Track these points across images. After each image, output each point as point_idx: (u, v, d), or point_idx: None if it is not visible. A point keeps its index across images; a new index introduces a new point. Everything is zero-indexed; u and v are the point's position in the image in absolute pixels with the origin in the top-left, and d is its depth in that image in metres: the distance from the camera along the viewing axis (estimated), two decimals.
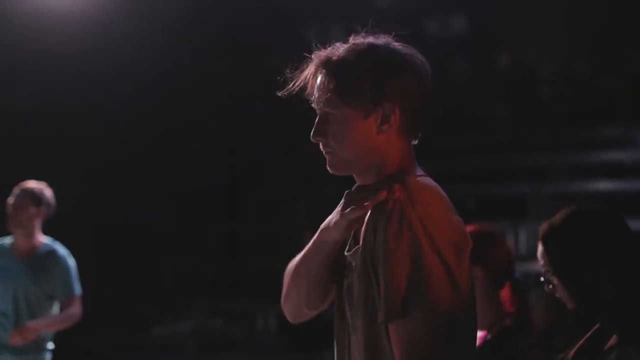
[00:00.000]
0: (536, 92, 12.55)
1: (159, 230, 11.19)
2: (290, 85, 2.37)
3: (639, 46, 11.98)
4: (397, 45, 2.31)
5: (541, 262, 2.72)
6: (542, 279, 2.72)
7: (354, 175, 2.37)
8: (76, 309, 5.78)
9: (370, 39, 2.32)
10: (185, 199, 11.48)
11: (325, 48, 2.34)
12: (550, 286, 2.68)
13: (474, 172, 10.93)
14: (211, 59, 11.38)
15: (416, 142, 2.36)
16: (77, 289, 5.82)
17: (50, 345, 5.80)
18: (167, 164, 11.18)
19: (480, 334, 3.30)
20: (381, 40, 2.32)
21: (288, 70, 2.37)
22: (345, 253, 2.34)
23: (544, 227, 2.74)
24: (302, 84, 2.36)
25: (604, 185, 10.46)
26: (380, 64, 2.28)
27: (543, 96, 12.56)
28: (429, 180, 2.27)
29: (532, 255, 9.59)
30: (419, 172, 2.32)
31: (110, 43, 10.20)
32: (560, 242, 2.68)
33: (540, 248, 2.72)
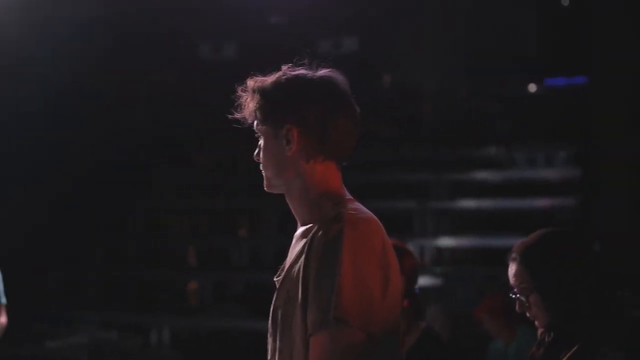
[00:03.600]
0: (418, 110, 12.91)
1: (45, 241, 11.06)
2: (238, 109, 2.57)
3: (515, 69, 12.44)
4: (324, 75, 2.51)
5: (514, 281, 2.81)
6: (513, 296, 2.81)
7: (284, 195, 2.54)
8: (3, 319, 6.15)
9: (301, 70, 2.52)
10: (70, 208, 11.37)
11: (262, 76, 2.55)
12: (526, 304, 2.78)
13: (359, 187, 11.15)
14: (98, 76, 11.28)
15: (342, 164, 2.53)
16: (4, 299, 6.17)
17: None
18: (52, 176, 11.02)
19: None
20: (311, 70, 2.52)
21: (230, 97, 2.57)
22: (275, 279, 2.52)
23: (519, 247, 2.83)
24: (242, 109, 2.56)
25: (486, 202, 10.86)
26: (287, 91, 2.48)
27: (424, 115, 12.92)
28: (361, 209, 2.43)
29: (419, 270, 9.91)
30: (348, 195, 2.49)
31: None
32: (539, 260, 2.78)
33: (514, 267, 2.80)
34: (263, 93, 2.49)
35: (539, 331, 2.79)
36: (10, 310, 6.49)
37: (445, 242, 10.52)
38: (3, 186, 10.17)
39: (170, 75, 11.77)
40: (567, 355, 2.65)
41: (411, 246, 10.26)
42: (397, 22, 11.82)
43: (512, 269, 2.83)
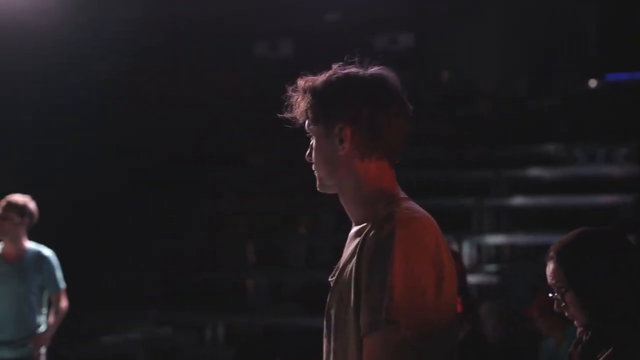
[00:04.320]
0: (476, 108, 12.82)
1: (104, 239, 11.18)
2: (288, 110, 2.53)
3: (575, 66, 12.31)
4: (375, 73, 2.45)
5: (551, 280, 2.78)
6: (552, 296, 2.78)
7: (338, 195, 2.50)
8: (64, 302, 6.57)
9: (351, 68, 2.47)
10: (130, 208, 11.49)
11: (311, 75, 2.50)
12: (563, 304, 2.74)
13: (417, 186, 11.11)
14: (156, 74, 11.38)
15: (394, 162, 2.47)
16: (63, 283, 6.56)
17: None
18: (111, 175, 11.13)
19: None
20: (362, 69, 2.47)
21: (286, 96, 2.53)
22: (329, 279, 2.48)
23: (556, 246, 2.79)
24: (293, 109, 2.52)
25: (544, 200, 10.74)
26: (339, 90, 2.43)
27: (483, 112, 12.82)
28: (415, 208, 2.38)
29: (475, 268, 9.84)
30: (402, 194, 2.44)
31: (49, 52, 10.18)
32: (574, 258, 2.74)
33: (552, 266, 2.77)
34: (314, 92, 2.45)
35: (578, 330, 2.75)
36: (67, 305, 6.66)
37: (502, 239, 10.41)
38: (62, 185, 10.30)
39: (227, 75, 11.81)
40: (604, 355, 2.60)
41: (467, 244, 10.20)
42: (454, 19, 11.75)
43: (549, 268, 2.79)
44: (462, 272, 3.70)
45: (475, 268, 10.07)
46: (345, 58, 2.50)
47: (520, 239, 10.64)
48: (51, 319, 6.53)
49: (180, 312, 10.48)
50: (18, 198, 6.37)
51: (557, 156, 11.41)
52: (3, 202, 6.35)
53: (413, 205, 2.39)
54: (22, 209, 6.32)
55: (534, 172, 11.11)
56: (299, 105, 2.49)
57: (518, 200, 10.80)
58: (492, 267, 10.08)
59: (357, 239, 2.36)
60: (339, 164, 2.43)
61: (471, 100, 12.80)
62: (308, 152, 2.51)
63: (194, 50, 11.66)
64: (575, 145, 11.32)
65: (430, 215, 2.36)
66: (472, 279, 9.83)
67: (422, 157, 12.04)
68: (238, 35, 11.80)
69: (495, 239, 10.44)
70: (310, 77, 2.48)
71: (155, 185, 11.54)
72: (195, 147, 11.98)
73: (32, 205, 6.39)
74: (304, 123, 2.51)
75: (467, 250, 10.23)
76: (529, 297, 7.68)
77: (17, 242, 6.40)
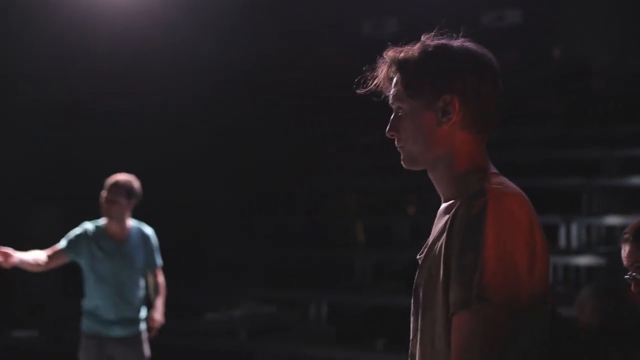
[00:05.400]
0: (589, 85, 12.50)
1: (211, 221, 11.37)
2: (367, 82, 2.46)
3: None
4: (467, 45, 2.38)
5: (627, 262, 2.76)
6: (629, 277, 2.76)
7: (427, 171, 2.43)
8: (162, 279, 6.71)
9: (442, 39, 2.39)
10: (239, 187, 11.65)
11: (399, 47, 2.41)
12: (637, 286, 2.71)
13: (525, 165, 10.91)
14: (266, 57, 11.52)
15: (487, 138, 2.40)
16: (160, 261, 6.69)
17: (144, 314, 6.58)
18: (222, 158, 11.35)
19: None
20: (452, 40, 2.39)
21: (365, 68, 2.46)
22: (417, 256, 2.42)
23: (632, 227, 2.77)
24: (377, 81, 2.45)
25: None
26: (442, 60, 2.35)
27: (596, 90, 12.51)
28: (507, 183, 2.29)
29: (585, 250, 9.59)
30: (493, 169, 2.36)
31: (174, 43, 10.46)
32: None
33: (628, 247, 2.74)
34: (416, 63, 2.36)
35: None
36: (173, 283, 6.78)
37: (613, 220, 10.13)
38: (180, 169, 10.59)
39: (334, 54, 11.82)
40: None
41: (576, 224, 9.96)
42: None
43: (625, 249, 2.77)
44: None
45: (584, 249, 9.83)
46: (436, 30, 2.40)
47: (632, 219, 10.31)
48: (157, 298, 6.62)
49: (283, 290, 10.55)
50: (124, 178, 6.39)
51: None
52: (109, 184, 6.37)
53: (505, 180, 2.31)
54: (129, 191, 6.35)
55: None
56: (388, 77, 2.42)
57: (631, 180, 10.48)
58: (602, 249, 9.81)
59: (447, 216, 2.30)
60: (438, 138, 2.35)
61: (584, 77, 12.48)
62: (390, 126, 2.42)
63: (304, 32, 11.72)
64: None
65: (522, 192, 2.27)
66: (581, 260, 9.62)
67: (532, 135, 11.82)
68: (346, 14, 11.82)
69: (605, 220, 10.16)
70: (400, 49, 2.40)
71: (267, 165, 11.65)
72: (306, 126, 12.03)
73: (137, 184, 6.42)
74: (389, 97, 2.43)
75: (575, 231, 10.01)
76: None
77: (122, 222, 6.45)
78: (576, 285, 8.85)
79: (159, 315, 6.60)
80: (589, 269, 9.70)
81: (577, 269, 9.86)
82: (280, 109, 11.86)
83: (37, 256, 6.10)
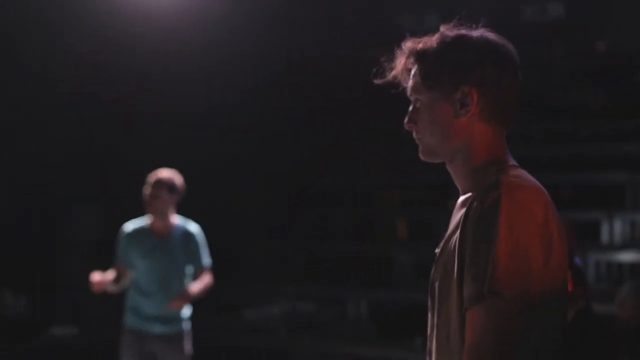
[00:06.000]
0: (633, 79, 12.32)
1: (251, 215, 11.37)
2: (385, 74, 2.43)
3: None
4: (487, 35, 2.33)
5: None
6: None
7: (446, 163, 2.39)
8: (208, 278, 6.56)
9: (462, 30, 2.35)
10: (278, 185, 11.64)
11: (417, 37, 2.38)
12: None
13: (569, 160, 10.78)
14: (307, 53, 11.53)
15: (506, 131, 2.36)
16: (208, 260, 6.60)
17: (187, 314, 6.52)
18: (261, 154, 11.37)
19: None
20: (471, 30, 2.35)
21: (383, 60, 2.42)
22: (436, 250, 2.38)
23: None
24: (395, 73, 2.41)
25: None
26: (461, 51, 2.31)
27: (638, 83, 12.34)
28: (524, 176, 2.25)
29: (628, 245, 9.44)
30: (512, 162, 2.32)
31: (216, 42, 10.50)
32: None
33: None
34: (435, 54, 2.33)
35: None
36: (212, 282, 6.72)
37: None
38: (223, 166, 10.63)
39: (372, 48, 11.77)
40: None
41: (619, 220, 9.81)
42: None
43: None
44: (572, 246, 3.50)
45: (628, 245, 9.69)
46: (454, 21, 2.36)
47: None
48: (196, 284, 6.46)
49: (322, 287, 10.52)
50: (167, 174, 6.40)
51: None
52: (152, 179, 6.38)
53: (522, 173, 2.26)
54: (171, 186, 6.34)
55: None
56: (406, 68, 2.39)
57: None
58: None
59: (463, 209, 2.25)
60: (456, 130, 2.32)
61: (628, 70, 12.29)
62: (408, 118, 2.39)
63: (342, 27, 11.69)
64: None
65: (540, 185, 2.22)
66: (624, 256, 9.48)
67: (575, 130, 11.67)
68: (384, 7, 11.78)
69: None
70: (420, 39, 2.37)
71: (307, 161, 11.63)
72: (347, 121, 11.99)
73: (179, 180, 6.42)
74: (407, 88, 2.40)
75: (619, 227, 9.86)
76: None
77: (166, 218, 6.42)
78: (619, 282, 8.72)
79: (194, 287, 6.40)
80: (632, 266, 9.56)
81: (620, 265, 9.72)
82: (321, 104, 11.84)
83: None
